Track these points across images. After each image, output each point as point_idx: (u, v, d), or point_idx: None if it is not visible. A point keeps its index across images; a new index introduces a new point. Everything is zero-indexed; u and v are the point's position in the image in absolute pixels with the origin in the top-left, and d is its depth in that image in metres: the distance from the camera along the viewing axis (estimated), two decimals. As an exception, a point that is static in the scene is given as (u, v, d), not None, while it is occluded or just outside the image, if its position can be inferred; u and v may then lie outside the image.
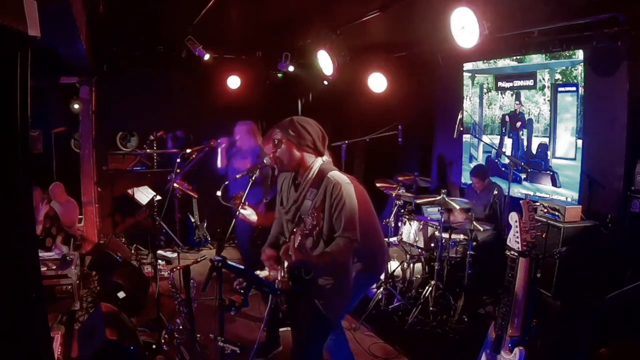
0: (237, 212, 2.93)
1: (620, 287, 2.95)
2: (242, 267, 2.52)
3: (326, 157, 2.45)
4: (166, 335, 3.38)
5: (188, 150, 4.82)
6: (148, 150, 6.65)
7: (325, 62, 5.04)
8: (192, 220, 6.60)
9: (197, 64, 5.73)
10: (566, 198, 4.54)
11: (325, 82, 6.44)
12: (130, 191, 6.00)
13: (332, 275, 2.37)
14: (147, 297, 4.22)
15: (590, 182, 4.29)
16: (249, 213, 3.50)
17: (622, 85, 3.94)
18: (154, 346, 3.45)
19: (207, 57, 5.48)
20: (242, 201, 2.75)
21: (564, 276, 3.87)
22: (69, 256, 4.29)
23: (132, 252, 5.68)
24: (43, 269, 3.98)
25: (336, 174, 2.32)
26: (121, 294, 3.90)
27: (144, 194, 5.99)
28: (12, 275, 1.68)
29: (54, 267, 4.11)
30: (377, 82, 5.40)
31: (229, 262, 2.32)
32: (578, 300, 3.76)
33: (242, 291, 4.25)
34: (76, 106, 6.13)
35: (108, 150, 6.50)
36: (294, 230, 2.33)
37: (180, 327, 3.38)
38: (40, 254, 3.71)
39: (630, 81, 3.86)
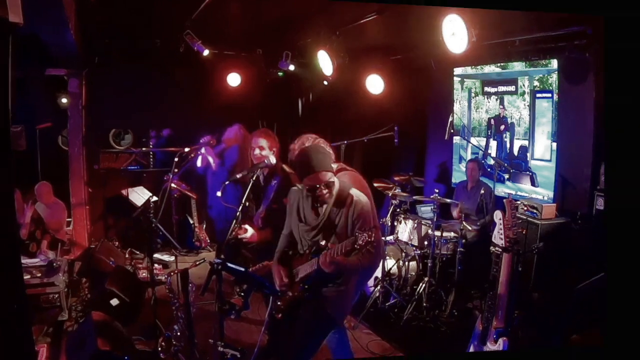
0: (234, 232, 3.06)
1: (589, 278, 3.28)
2: (242, 269, 2.42)
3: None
4: (163, 343, 3.27)
5: (186, 149, 4.66)
6: (143, 149, 6.41)
7: (325, 62, 5.14)
8: (191, 221, 6.38)
9: (196, 60, 5.54)
10: (543, 197, 4.90)
11: (325, 82, 6.37)
12: (124, 192, 5.80)
13: (341, 280, 2.53)
14: (143, 304, 4.11)
15: (563, 182, 4.68)
16: (249, 235, 3.48)
17: (589, 93, 4.31)
18: (150, 355, 3.30)
19: (206, 52, 5.29)
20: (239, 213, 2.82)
21: (541, 270, 4.25)
22: (56, 262, 4.19)
23: (126, 256, 5.47)
24: (26, 277, 3.90)
25: (357, 193, 2.53)
26: (114, 302, 3.76)
27: (139, 195, 5.77)
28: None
29: (39, 275, 4.00)
30: (375, 84, 5.42)
31: (229, 265, 2.30)
32: (554, 291, 4.10)
33: (242, 294, 4.12)
34: (64, 100, 5.85)
35: (100, 148, 6.25)
36: (322, 243, 2.45)
37: (178, 334, 3.28)
38: (23, 261, 3.55)
39: (596, 90, 4.22)
